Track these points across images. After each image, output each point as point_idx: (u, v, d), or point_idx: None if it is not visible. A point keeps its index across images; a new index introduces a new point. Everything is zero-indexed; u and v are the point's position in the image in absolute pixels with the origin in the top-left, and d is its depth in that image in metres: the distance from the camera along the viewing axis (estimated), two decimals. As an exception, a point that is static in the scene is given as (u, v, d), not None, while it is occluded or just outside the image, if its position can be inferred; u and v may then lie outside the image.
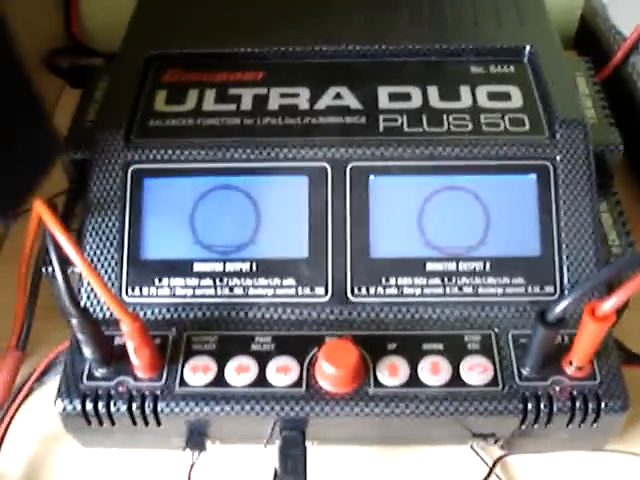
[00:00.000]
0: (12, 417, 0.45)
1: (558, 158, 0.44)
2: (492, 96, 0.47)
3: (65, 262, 0.38)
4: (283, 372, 0.40)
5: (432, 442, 0.44)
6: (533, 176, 0.44)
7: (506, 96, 0.47)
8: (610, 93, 0.52)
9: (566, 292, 0.42)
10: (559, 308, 0.37)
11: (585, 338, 0.38)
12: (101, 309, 0.43)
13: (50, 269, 0.43)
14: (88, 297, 0.43)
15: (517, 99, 0.47)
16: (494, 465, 0.44)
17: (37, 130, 0.35)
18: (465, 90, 0.47)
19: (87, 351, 0.40)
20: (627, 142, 0.49)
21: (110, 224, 0.44)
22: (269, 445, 0.42)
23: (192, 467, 0.42)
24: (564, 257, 0.43)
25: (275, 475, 0.40)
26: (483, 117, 0.46)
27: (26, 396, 0.46)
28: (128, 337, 0.39)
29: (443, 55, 0.50)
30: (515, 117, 0.46)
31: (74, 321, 0.39)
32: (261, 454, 0.43)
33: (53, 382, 0.45)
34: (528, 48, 0.49)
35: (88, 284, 0.43)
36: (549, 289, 0.42)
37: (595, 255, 0.43)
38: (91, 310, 0.42)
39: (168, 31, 0.53)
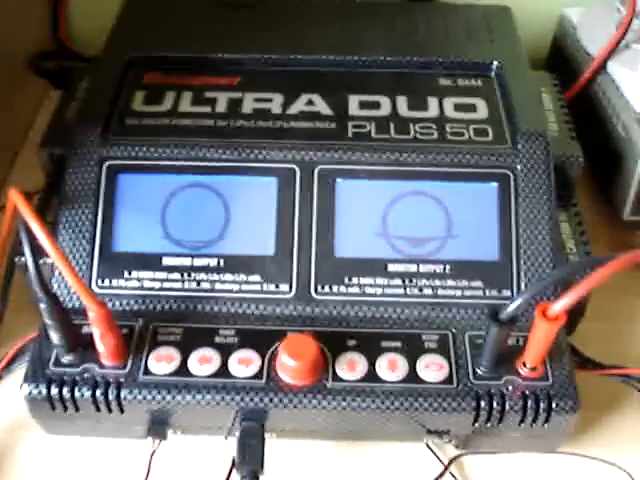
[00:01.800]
0: (-20, 403, 0.46)
1: (519, 167, 0.45)
2: (458, 107, 0.49)
3: (37, 251, 0.40)
4: (245, 364, 0.41)
5: (389, 438, 0.45)
6: (494, 184, 0.45)
7: (472, 108, 0.49)
8: (578, 110, 0.54)
9: (521, 294, 0.43)
10: (511, 307, 0.38)
11: (537, 338, 0.39)
12: (70, 299, 0.44)
13: (22, 258, 0.45)
14: (59, 286, 0.44)
15: (482, 111, 0.49)
16: (449, 464, 0.45)
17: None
18: (433, 101, 0.49)
19: (54, 337, 0.41)
20: (593, 158, 0.51)
21: (83, 217, 0.45)
22: (230, 437, 0.43)
23: (153, 455, 0.43)
24: (521, 263, 0.44)
25: (233, 464, 0.41)
26: (449, 126, 0.47)
27: (-6, 383, 0.47)
28: (94, 324, 0.40)
29: (413, 67, 0.52)
30: (479, 127, 0.47)
31: (42, 306, 0.40)
32: (221, 445, 0.44)
33: (21, 370, 0.46)
34: (496, 63, 0.51)
35: (59, 274, 0.44)
36: (506, 293, 0.44)
37: (552, 262, 0.44)
38: (61, 299, 0.43)
39: (149, 35, 0.54)
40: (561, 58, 0.63)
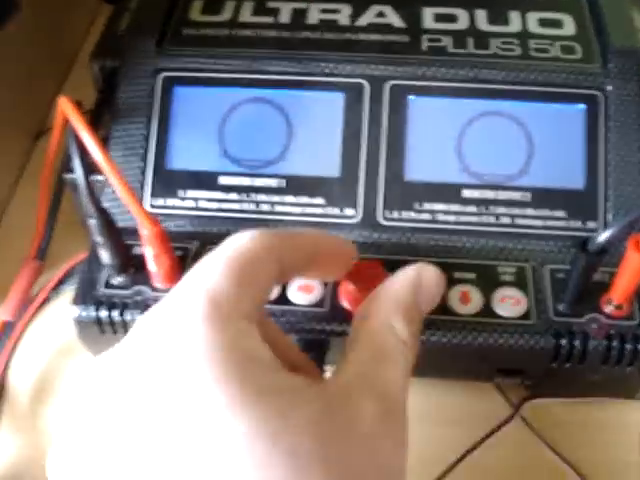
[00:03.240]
0: (25, 326, 0.44)
1: (609, 88, 0.41)
2: (543, 23, 0.45)
3: (88, 166, 0.37)
4: (305, 291, 0.39)
5: (457, 376, 0.42)
6: (582, 106, 0.41)
7: (558, 23, 0.45)
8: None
9: (610, 225, 0.40)
10: (602, 237, 0.35)
11: (627, 273, 0.36)
12: (122, 218, 0.41)
13: (71, 175, 0.42)
14: (110, 205, 0.41)
15: (569, 27, 0.44)
16: (520, 405, 0.42)
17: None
18: (515, 15, 0.45)
19: (105, 256, 0.39)
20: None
21: (137, 132, 0.42)
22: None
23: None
24: (609, 192, 0.40)
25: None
26: (533, 42, 0.43)
27: (42, 305, 0.45)
28: (147, 242, 0.37)
29: (494, -21, 0.47)
30: (566, 45, 0.43)
31: (92, 222, 0.37)
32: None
33: (70, 293, 0.44)
34: (584, -24, 0.47)
35: (111, 192, 0.42)
36: (591, 224, 0.40)
37: (642, 192, 0.40)
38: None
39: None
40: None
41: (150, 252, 0.38)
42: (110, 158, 0.35)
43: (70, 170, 0.42)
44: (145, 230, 0.37)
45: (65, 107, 0.36)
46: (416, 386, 0.42)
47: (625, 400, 0.42)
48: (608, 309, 0.38)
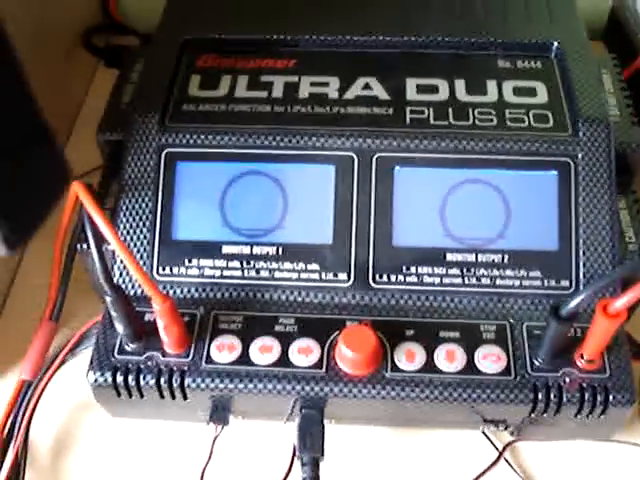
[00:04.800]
0: (45, 386, 0.47)
1: (580, 156, 0.45)
2: (518, 91, 0.48)
3: (100, 241, 0.40)
4: (304, 353, 0.42)
5: (445, 426, 0.45)
6: (554, 172, 0.45)
7: (532, 92, 0.48)
8: (637, 89, 0.52)
9: (581, 287, 0.43)
10: (572, 304, 0.38)
11: (596, 334, 0.39)
12: (133, 286, 0.45)
13: (85, 246, 0.45)
14: (121, 274, 0.45)
15: (542, 95, 0.48)
16: (504, 450, 0.45)
17: (49, 164, 0.32)
18: (492, 84, 0.48)
19: (119, 327, 0.42)
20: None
21: (143, 205, 0.45)
22: (288, 422, 0.44)
23: (215, 440, 0.44)
24: (581, 253, 0.44)
25: (294, 451, 0.42)
26: (508, 112, 0.47)
27: (59, 366, 0.48)
28: (158, 315, 0.40)
29: (472, 48, 0.50)
30: (539, 113, 0.47)
31: (108, 299, 0.40)
32: (281, 430, 0.45)
33: (85, 353, 0.47)
34: (556, 44, 0.50)
35: (121, 262, 0.45)
36: (565, 283, 0.44)
37: (611, 252, 0.44)
38: (123, 287, 0.44)
39: (203, 16, 0.54)
40: (619, 31, 0.61)
41: (161, 323, 0.41)
42: (124, 245, 0.38)
43: (82, 241, 0.46)
44: (156, 305, 0.40)
45: (79, 191, 0.40)
46: (412, 434, 0.46)
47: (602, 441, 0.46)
48: (581, 363, 0.41)
